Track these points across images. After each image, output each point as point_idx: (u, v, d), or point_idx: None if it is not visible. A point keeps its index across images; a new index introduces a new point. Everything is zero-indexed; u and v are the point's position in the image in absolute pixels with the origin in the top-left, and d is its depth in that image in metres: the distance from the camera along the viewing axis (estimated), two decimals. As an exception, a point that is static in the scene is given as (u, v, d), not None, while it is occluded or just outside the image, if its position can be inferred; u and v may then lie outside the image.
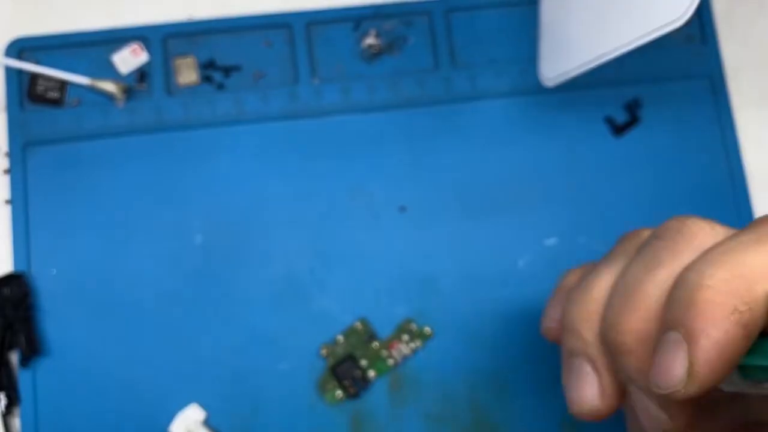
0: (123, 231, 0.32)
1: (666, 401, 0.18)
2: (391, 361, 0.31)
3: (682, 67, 0.35)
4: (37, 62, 0.33)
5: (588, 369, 0.20)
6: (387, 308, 0.32)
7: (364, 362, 0.31)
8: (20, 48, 0.33)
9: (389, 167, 0.33)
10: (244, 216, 0.32)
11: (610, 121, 0.34)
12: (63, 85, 0.33)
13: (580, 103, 0.34)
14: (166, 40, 0.33)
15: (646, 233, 0.21)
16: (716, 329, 0.16)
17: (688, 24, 0.34)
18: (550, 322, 0.24)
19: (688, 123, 0.34)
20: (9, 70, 0.33)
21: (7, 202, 0.32)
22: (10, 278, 0.31)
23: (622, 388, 0.20)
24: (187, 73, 0.33)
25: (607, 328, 0.19)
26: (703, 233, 0.19)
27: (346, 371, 0.31)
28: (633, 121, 0.34)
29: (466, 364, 0.31)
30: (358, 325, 0.31)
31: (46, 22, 0.34)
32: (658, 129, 0.34)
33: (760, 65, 0.35)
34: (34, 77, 0.32)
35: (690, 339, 0.16)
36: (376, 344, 0.31)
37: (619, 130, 0.34)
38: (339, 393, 0.31)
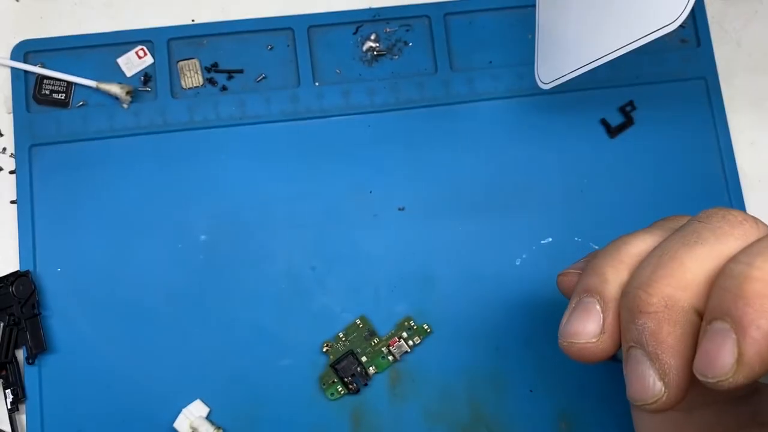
0: (127, 230, 0.32)
1: (666, 372, 0.18)
2: (390, 358, 0.32)
3: (676, 70, 0.35)
4: (43, 65, 0.33)
5: (597, 308, 0.20)
6: (387, 306, 0.32)
7: (364, 359, 0.32)
8: (26, 50, 0.33)
9: (389, 168, 0.33)
10: (246, 215, 0.33)
11: (605, 123, 0.34)
12: (69, 87, 0.33)
13: (576, 105, 0.35)
14: (170, 43, 0.34)
15: (685, 218, 0.21)
16: (767, 321, 0.16)
17: (682, 27, 0.35)
18: (569, 270, 0.24)
19: (682, 124, 0.35)
20: (15, 72, 0.33)
21: (13, 202, 0.32)
22: (16, 276, 0.31)
23: (618, 338, 0.20)
24: (191, 76, 0.34)
25: (636, 286, 0.19)
26: (748, 225, 0.19)
27: (346, 367, 0.31)
28: (627, 122, 0.34)
29: (465, 360, 0.32)
30: (359, 322, 0.32)
31: (51, 25, 0.34)
32: (653, 130, 0.34)
33: (754, 67, 0.36)
34: (40, 79, 0.33)
35: (739, 330, 0.16)
36: (376, 341, 0.32)
37: (614, 131, 0.34)
38: (340, 389, 0.31)
